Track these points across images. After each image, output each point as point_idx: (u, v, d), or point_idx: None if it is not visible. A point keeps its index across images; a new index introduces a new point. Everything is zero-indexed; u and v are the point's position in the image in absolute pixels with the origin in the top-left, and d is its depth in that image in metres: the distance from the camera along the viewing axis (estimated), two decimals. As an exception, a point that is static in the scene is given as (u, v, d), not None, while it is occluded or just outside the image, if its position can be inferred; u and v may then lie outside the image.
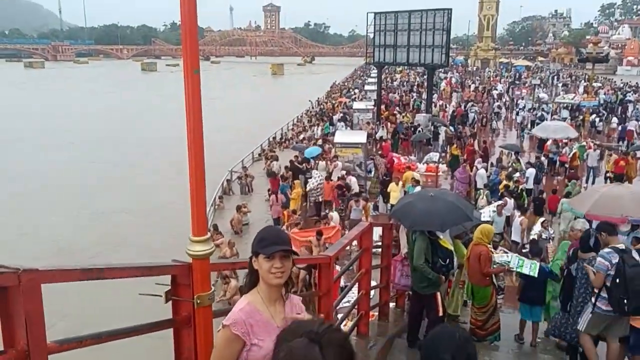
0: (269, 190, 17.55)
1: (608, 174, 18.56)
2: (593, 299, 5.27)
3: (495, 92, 43.04)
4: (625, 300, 4.96)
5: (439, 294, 5.76)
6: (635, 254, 5.32)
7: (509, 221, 13.29)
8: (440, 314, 5.68)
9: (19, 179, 22.91)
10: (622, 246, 5.22)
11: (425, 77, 41.96)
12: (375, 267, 5.92)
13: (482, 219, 9.65)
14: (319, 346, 1.43)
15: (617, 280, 4.98)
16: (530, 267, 6.43)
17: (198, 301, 2.52)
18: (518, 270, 6.55)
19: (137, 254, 13.90)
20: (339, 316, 5.56)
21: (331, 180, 16.61)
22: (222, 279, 11.10)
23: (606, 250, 5.24)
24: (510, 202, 13.61)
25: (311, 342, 1.45)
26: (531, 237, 11.95)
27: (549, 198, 15.31)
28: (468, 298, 6.67)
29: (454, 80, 54.44)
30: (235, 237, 14.24)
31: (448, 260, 5.77)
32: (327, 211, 15.15)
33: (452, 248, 5.87)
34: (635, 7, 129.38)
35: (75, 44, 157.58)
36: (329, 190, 15.77)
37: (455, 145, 21.87)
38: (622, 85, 51.01)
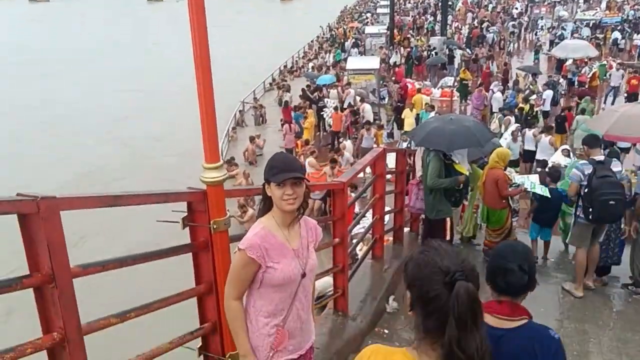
0: (281, 120, 17.47)
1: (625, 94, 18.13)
2: (573, 210, 5.60)
3: (515, 12, 41.27)
4: (590, 209, 5.20)
5: (448, 219, 5.81)
6: (616, 166, 5.54)
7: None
8: (447, 237, 5.76)
9: (46, 108, 23.29)
10: (600, 158, 5.36)
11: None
12: (389, 192, 5.95)
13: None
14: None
15: (586, 190, 5.23)
16: (542, 189, 6.48)
17: (214, 226, 2.58)
18: (532, 190, 6.58)
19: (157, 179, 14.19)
20: (354, 241, 5.67)
21: (344, 108, 16.44)
22: (239, 207, 11.30)
23: (582, 161, 5.61)
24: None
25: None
26: (550, 164, 11.85)
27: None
28: (483, 221, 6.74)
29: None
30: (250, 167, 14.37)
31: (462, 185, 5.79)
32: (341, 140, 15.11)
33: (467, 173, 5.86)
34: None
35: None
36: (338, 120, 15.56)
37: (464, 69, 21.32)
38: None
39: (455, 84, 19.82)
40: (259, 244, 2.20)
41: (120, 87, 27.07)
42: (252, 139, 15.68)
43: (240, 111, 20.16)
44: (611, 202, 5.11)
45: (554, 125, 14.20)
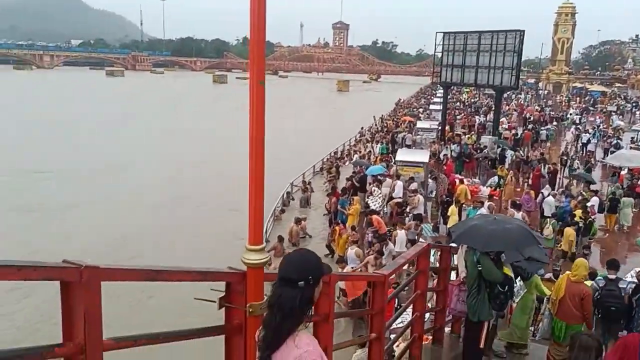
0: (326, 205, 17.60)
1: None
2: None
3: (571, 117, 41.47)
4: None
5: (485, 324, 5.50)
6: None
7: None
8: (482, 345, 5.44)
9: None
10: None
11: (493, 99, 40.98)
12: (431, 289, 5.76)
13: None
14: None
15: None
16: None
17: (250, 310, 2.53)
18: None
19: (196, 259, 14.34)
20: (392, 336, 5.43)
21: (392, 198, 16.40)
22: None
23: None
24: None
25: None
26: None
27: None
28: (555, 337, 6.45)
29: (524, 102, 52.89)
30: (293, 248, 14.32)
31: (507, 287, 5.55)
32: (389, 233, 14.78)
33: (512, 275, 5.64)
34: None
35: (153, 54, 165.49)
36: (378, 223, 14.41)
37: (501, 167, 21.32)
38: None
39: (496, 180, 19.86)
40: (322, 353, 2.10)
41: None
42: (297, 221, 15.76)
43: (287, 192, 20.47)
44: None
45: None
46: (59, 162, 27.26)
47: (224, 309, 2.62)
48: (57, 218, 18.83)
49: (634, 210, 18.81)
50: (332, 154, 29.28)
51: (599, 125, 36.61)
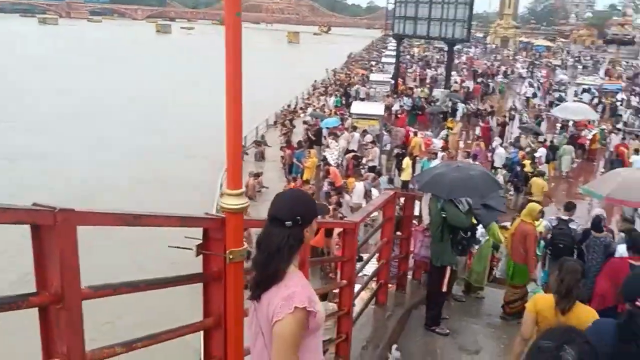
0: (282, 158, 17.48)
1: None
2: None
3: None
4: None
5: (448, 268, 5.62)
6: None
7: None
8: (444, 288, 5.58)
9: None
10: None
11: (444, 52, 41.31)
12: (395, 237, 5.82)
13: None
14: None
15: None
16: None
17: (230, 256, 2.42)
18: None
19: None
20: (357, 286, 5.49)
21: (349, 151, 16.45)
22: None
23: None
24: None
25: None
26: None
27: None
28: (508, 277, 6.68)
29: (474, 56, 53.63)
30: (249, 203, 14.18)
31: (470, 232, 5.67)
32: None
33: (474, 221, 5.77)
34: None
35: (89, 1, 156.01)
36: (335, 175, 14.55)
37: (451, 119, 21.79)
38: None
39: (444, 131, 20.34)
40: (311, 294, 2.00)
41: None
42: (255, 175, 15.58)
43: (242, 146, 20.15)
44: None
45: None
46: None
47: (202, 257, 2.52)
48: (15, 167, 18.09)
49: (577, 160, 19.73)
50: (286, 107, 28.91)
51: (543, 80, 37.71)
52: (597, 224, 6.66)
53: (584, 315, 3.11)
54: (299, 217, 2.03)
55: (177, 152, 21.13)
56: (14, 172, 17.72)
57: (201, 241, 2.50)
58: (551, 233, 7.32)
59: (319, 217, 2.45)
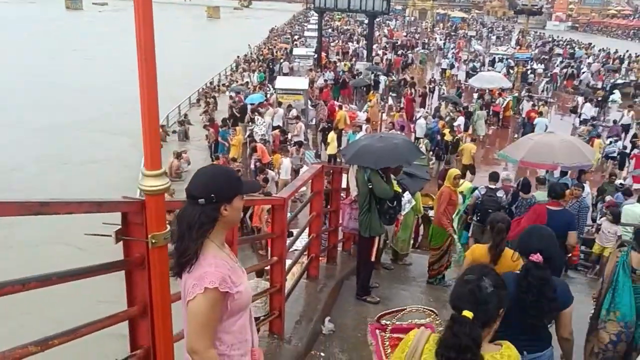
0: (206, 137, 17.08)
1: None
2: None
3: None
4: None
5: (377, 239, 5.75)
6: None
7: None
8: (373, 257, 5.72)
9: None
10: None
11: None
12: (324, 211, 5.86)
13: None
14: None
15: None
16: None
17: (153, 241, 2.30)
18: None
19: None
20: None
21: (275, 127, 16.30)
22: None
23: None
24: None
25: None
26: None
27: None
28: (428, 240, 6.95)
29: (394, 28, 54.45)
30: (174, 183, 13.75)
31: (395, 202, 5.79)
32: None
33: (399, 189, 5.91)
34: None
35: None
36: (262, 152, 14.17)
37: (373, 93, 22.26)
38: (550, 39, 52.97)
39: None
40: (225, 275, 1.93)
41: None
42: (178, 155, 15.11)
43: (162, 126, 19.42)
44: None
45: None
46: None
47: (122, 243, 2.38)
48: None
49: (492, 128, 20.73)
50: (208, 84, 28.15)
51: (456, 51, 39.03)
52: (525, 185, 7.62)
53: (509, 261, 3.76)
54: (213, 195, 1.96)
55: (92, 129, 20.03)
56: None
57: (120, 227, 2.37)
58: (480, 200, 7.98)
59: (256, 194, 2.38)
